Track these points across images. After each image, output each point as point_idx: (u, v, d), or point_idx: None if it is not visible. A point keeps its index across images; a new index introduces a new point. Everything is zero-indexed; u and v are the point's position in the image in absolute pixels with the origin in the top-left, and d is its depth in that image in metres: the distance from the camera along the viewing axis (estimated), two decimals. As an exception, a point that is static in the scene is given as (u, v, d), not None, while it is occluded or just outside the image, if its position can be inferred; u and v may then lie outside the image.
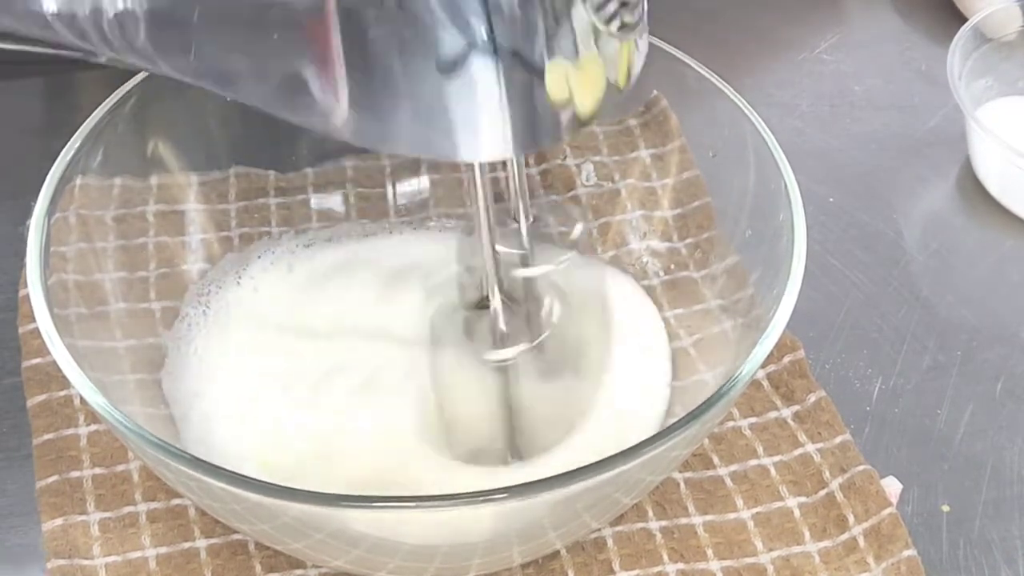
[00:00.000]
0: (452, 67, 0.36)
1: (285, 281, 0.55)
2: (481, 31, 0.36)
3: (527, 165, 0.60)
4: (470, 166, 0.43)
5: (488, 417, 0.49)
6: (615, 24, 0.39)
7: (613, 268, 0.56)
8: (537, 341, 0.48)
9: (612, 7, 0.38)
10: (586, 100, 0.38)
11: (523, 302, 0.48)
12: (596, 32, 0.38)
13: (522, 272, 0.47)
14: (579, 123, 0.39)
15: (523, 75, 0.37)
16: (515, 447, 0.49)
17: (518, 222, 0.47)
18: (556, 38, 0.37)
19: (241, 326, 0.53)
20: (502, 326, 0.47)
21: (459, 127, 0.38)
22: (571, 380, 0.50)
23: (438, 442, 0.49)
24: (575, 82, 0.38)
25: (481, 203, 0.44)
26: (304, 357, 0.52)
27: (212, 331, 0.53)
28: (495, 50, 0.36)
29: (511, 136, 0.38)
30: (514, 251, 0.47)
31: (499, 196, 0.47)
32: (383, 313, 0.53)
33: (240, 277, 0.55)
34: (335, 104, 0.37)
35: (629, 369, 0.52)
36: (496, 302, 0.46)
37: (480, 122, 0.38)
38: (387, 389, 0.50)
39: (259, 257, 0.56)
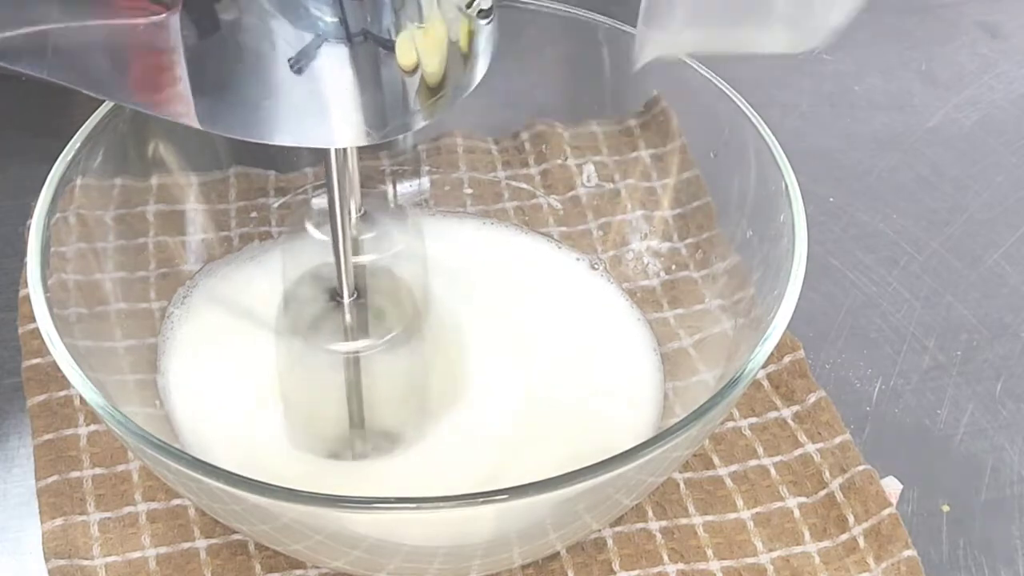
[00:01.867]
0: (303, 59, 0.37)
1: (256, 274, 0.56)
2: (332, 20, 0.36)
3: (527, 165, 0.61)
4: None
5: (341, 410, 0.49)
6: (472, 8, 0.39)
7: (584, 271, 0.57)
8: (387, 337, 0.48)
9: None
10: (432, 60, 0.39)
11: (368, 295, 0.48)
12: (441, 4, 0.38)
13: (358, 260, 0.48)
14: (428, 92, 0.39)
15: (373, 54, 0.37)
16: (376, 435, 0.49)
17: (349, 213, 0.47)
18: (404, 9, 0.37)
19: (207, 322, 0.54)
20: (349, 319, 0.47)
21: (312, 115, 0.38)
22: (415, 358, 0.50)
23: (299, 440, 0.49)
24: (421, 45, 0.38)
25: (335, 191, 0.44)
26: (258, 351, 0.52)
27: (190, 326, 0.53)
28: (348, 34, 0.37)
29: (363, 123, 0.38)
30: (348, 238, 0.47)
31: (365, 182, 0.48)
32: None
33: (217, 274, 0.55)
34: (185, 96, 0.38)
35: (611, 380, 0.52)
36: (346, 295, 0.47)
37: (332, 110, 0.38)
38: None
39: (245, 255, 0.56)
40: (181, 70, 0.38)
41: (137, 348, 0.51)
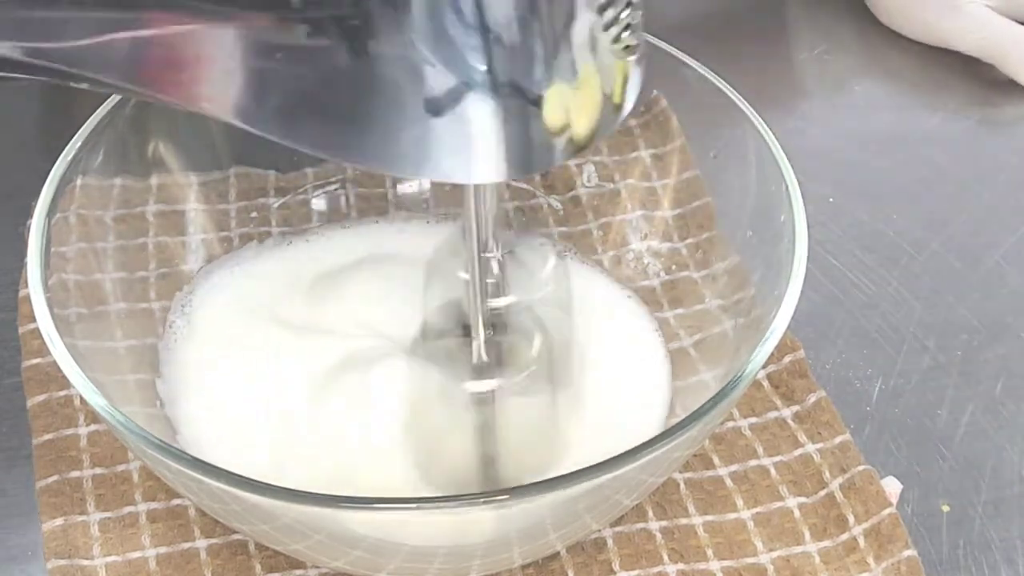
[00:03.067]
0: (445, 105, 0.35)
1: (275, 272, 0.55)
2: (479, 69, 0.35)
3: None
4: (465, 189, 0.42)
5: (464, 451, 0.48)
6: (619, 45, 0.37)
7: (598, 275, 0.56)
8: (520, 375, 0.47)
9: (614, 23, 0.37)
10: (583, 120, 0.37)
11: (506, 333, 0.47)
12: (593, 46, 0.37)
13: (494, 302, 0.46)
14: (575, 147, 0.37)
15: (520, 106, 0.36)
16: (493, 480, 0.48)
17: (491, 252, 0.45)
18: (554, 59, 0.36)
19: (219, 324, 0.53)
20: (484, 357, 0.46)
21: (452, 154, 0.36)
22: (560, 404, 0.49)
23: (412, 466, 0.48)
24: (572, 103, 0.37)
25: (474, 227, 0.43)
26: (293, 355, 0.52)
27: (193, 330, 0.53)
28: (495, 86, 0.35)
29: (505, 161, 0.37)
30: (488, 280, 0.46)
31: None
32: (372, 316, 0.53)
33: (223, 274, 0.55)
34: (329, 128, 0.36)
35: (625, 382, 0.52)
36: (479, 332, 0.46)
37: (475, 150, 0.36)
38: (370, 399, 0.50)
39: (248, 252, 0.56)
40: (318, 95, 0.36)
41: (137, 348, 0.51)
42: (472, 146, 0.36)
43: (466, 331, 0.46)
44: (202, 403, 0.51)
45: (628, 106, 0.39)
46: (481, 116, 0.36)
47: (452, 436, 0.48)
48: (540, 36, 0.35)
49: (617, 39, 0.37)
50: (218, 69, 0.37)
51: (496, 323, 0.46)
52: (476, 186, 0.42)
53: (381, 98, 0.36)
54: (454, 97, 0.35)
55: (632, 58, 0.38)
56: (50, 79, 0.39)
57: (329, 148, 0.37)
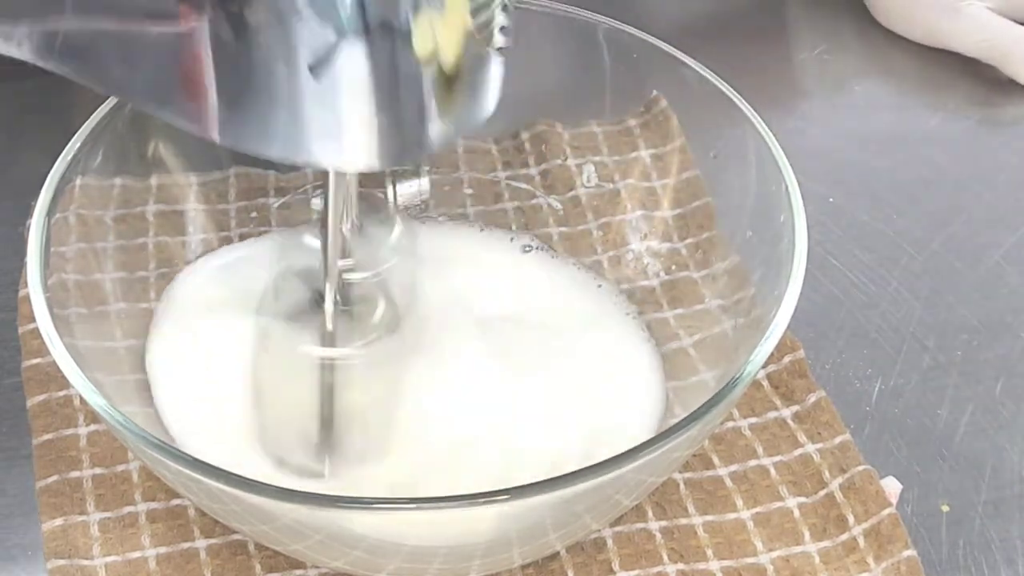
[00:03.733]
0: (322, 61, 0.36)
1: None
2: (352, 11, 0.36)
3: (527, 165, 0.61)
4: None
5: (307, 416, 0.48)
6: (492, 46, 0.39)
7: (585, 279, 0.56)
8: (365, 342, 0.47)
9: (487, 26, 0.39)
10: (449, 49, 0.38)
11: (352, 303, 0.48)
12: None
13: (347, 276, 0.47)
14: (443, 96, 0.38)
15: (390, 49, 0.37)
16: (332, 446, 0.48)
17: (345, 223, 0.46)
18: None
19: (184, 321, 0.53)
20: (330, 326, 0.47)
21: (324, 132, 0.37)
22: (407, 372, 0.50)
23: (259, 442, 0.49)
24: (439, 27, 0.37)
25: (331, 204, 0.44)
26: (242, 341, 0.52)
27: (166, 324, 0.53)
28: (367, 30, 0.36)
29: (376, 148, 0.38)
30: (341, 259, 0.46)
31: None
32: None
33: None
34: (205, 105, 0.38)
35: (612, 384, 0.52)
36: (329, 301, 0.46)
37: (344, 126, 0.37)
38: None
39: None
40: (206, 78, 0.37)
41: (137, 348, 0.51)
42: (342, 130, 0.37)
43: (316, 299, 0.47)
44: (186, 400, 0.50)
45: (494, 39, 0.40)
46: (354, 71, 0.36)
47: (297, 401, 0.49)
48: None
49: (490, 41, 0.39)
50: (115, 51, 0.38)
51: (345, 293, 0.47)
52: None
53: (260, 74, 0.37)
54: (329, 60, 0.36)
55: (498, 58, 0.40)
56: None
57: (221, 133, 0.38)
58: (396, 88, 0.37)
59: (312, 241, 0.46)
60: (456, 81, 0.39)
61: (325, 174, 0.44)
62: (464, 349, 0.52)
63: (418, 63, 0.37)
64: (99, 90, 0.40)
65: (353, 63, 0.36)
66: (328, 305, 0.46)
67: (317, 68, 0.36)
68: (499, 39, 0.39)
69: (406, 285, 0.50)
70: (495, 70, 0.40)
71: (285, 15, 0.36)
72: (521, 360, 0.52)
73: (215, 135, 0.38)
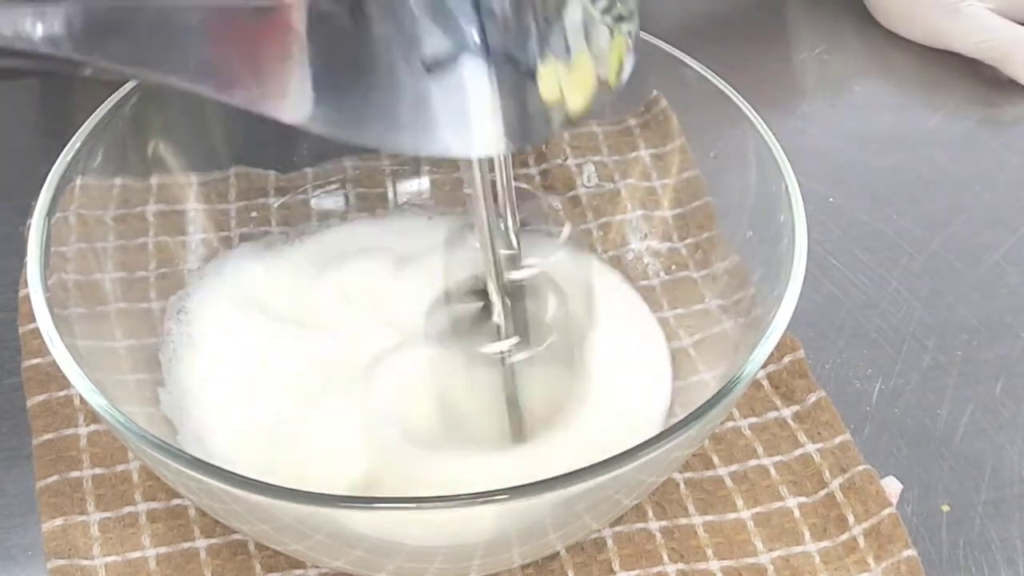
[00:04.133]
0: (440, 68, 0.36)
1: (276, 268, 0.55)
2: (472, 34, 0.36)
3: (527, 165, 0.61)
4: (468, 162, 0.43)
5: (487, 410, 0.49)
6: (609, 15, 0.39)
7: (605, 266, 0.56)
8: (536, 337, 0.48)
9: None
10: (577, 98, 0.38)
11: (518, 299, 0.48)
12: (587, 29, 0.38)
13: (513, 272, 0.47)
14: (570, 121, 0.38)
15: (514, 76, 0.37)
16: (515, 434, 0.49)
17: (505, 221, 0.47)
18: (548, 38, 0.37)
19: (216, 326, 0.53)
20: (499, 320, 0.47)
21: (450, 124, 0.37)
22: (569, 374, 0.50)
23: (435, 436, 0.49)
24: (566, 82, 0.38)
25: (480, 197, 0.44)
26: (295, 348, 0.52)
27: (191, 336, 0.53)
28: (487, 52, 0.36)
29: (503, 132, 0.37)
30: (504, 251, 0.47)
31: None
32: (376, 304, 0.53)
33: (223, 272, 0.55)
34: (288, 88, 0.37)
35: (626, 364, 0.52)
36: (495, 297, 0.46)
37: (472, 119, 0.37)
38: (380, 384, 0.50)
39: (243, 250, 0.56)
40: (298, 60, 0.36)
41: (137, 348, 0.51)
42: (470, 118, 0.37)
43: (483, 301, 0.47)
44: (209, 413, 0.50)
45: (623, 78, 0.40)
46: (477, 84, 0.36)
47: (477, 399, 0.49)
48: (531, 8, 0.36)
49: (609, 8, 0.38)
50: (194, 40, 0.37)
51: (514, 292, 0.47)
52: (472, 161, 0.43)
53: (379, 72, 0.36)
54: (450, 65, 0.36)
55: (626, 27, 0.39)
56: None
57: (329, 124, 0.37)
58: (522, 103, 0.37)
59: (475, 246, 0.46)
60: (584, 115, 0.39)
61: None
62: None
63: (543, 104, 0.37)
64: (130, 75, 0.39)
65: (476, 75, 0.36)
66: (494, 299, 0.46)
67: (437, 71, 0.36)
68: (620, 7, 0.39)
69: (578, 283, 0.50)
70: (624, 52, 0.40)
71: (401, 18, 0.36)
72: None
73: (301, 118, 0.37)
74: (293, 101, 0.37)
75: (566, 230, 0.52)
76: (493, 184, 0.45)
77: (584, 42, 0.38)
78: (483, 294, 0.47)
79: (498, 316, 0.47)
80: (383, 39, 0.36)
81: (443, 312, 0.49)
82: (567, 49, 0.37)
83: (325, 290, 0.54)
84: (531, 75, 0.37)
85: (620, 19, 0.39)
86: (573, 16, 0.37)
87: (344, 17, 0.36)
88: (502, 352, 0.47)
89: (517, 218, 0.47)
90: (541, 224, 0.52)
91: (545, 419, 0.49)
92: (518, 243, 0.47)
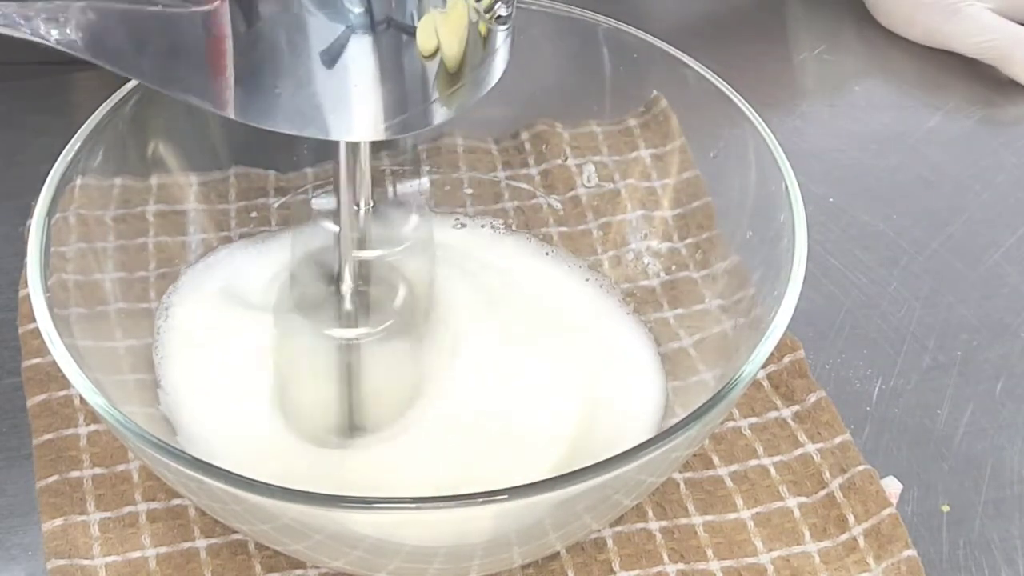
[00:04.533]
0: (327, 52, 0.38)
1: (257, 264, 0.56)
2: (360, 10, 0.37)
3: (527, 165, 0.61)
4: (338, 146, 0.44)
5: (330, 394, 0.49)
6: (491, 14, 0.40)
7: (585, 279, 0.57)
8: (383, 326, 0.49)
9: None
10: (452, 43, 0.39)
11: (370, 285, 0.49)
12: None
13: (359, 254, 0.48)
14: (447, 81, 0.40)
15: (395, 41, 0.38)
16: (355, 423, 0.49)
17: (358, 206, 0.48)
18: None
19: (198, 323, 0.54)
20: (348, 306, 0.48)
21: (333, 106, 0.39)
22: (412, 361, 0.51)
23: (289, 422, 0.50)
24: (442, 29, 0.39)
25: (343, 181, 0.45)
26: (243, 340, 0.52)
27: (182, 324, 0.53)
28: (372, 24, 0.38)
29: (380, 114, 0.39)
30: (355, 233, 0.48)
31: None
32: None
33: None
34: (223, 80, 0.39)
35: (615, 384, 0.52)
36: (347, 282, 0.47)
37: (351, 100, 0.39)
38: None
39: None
40: (226, 57, 0.38)
41: (137, 348, 0.51)
42: (350, 99, 0.39)
43: (331, 283, 0.48)
44: (199, 411, 0.50)
45: (500, 59, 0.42)
46: (360, 58, 0.38)
47: (317, 381, 0.49)
48: None
49: (489, 8, 0.40)
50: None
51: (362, 275, 0.48)
52: (348, 144, 0.44)
53: (269, 56, 0.38)
54: (336, 47, 0.38)
55: (502, 28, 0.41)
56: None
57: (222, 105, 0.39)
58: (400, 66, 0.39)
59: (329, 227, 0.48)
60: (460, 65, 0.40)
61: (335, 159, 0.44)
62: (474, 340, 0.52)
63: (422, 56, 0.39)
64: (110, 67, 0.40)
65: (359, 52, 0.38)
66: (345, 285, 0.47)
67: (326, 55, 0.38)
68: (501, 10, 0.40)
69: (423, 269, 0.50)
70: (500, 40, 0.41)
71: (294, 8, 0.37)
72: (525, 350, 0.52)
73: (231, 112, 0.39)
74: (225, 98, 0.39)
75: (413, 218, 0.52)
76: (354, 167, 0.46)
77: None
78: (330, 276, 0.48)
79: (346, 303, 0.48)
80: (275, 28, 0.38)
81: (296, 291, 0.50)
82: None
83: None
84: (411, 32, 0.38)
85: (499, 19, 0.41)
86: None
87: (243, 14, 0.38)
88: (348, 339, 0.48)
89: (371, 202, 0.48)
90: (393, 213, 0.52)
91: (387, 406, 0.50)
92: (366, 226, 0.49)
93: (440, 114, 0.40)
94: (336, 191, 0.45)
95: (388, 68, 0.39)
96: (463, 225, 0.58)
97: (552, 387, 0.51)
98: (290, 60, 0.38)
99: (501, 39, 0.41)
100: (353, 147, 0.44)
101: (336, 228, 0.46)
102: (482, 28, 0.40)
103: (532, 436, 0.49)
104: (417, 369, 0.50)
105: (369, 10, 0.37)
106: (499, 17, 0.40)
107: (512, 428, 0.50)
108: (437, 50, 0.39)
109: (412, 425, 0.49)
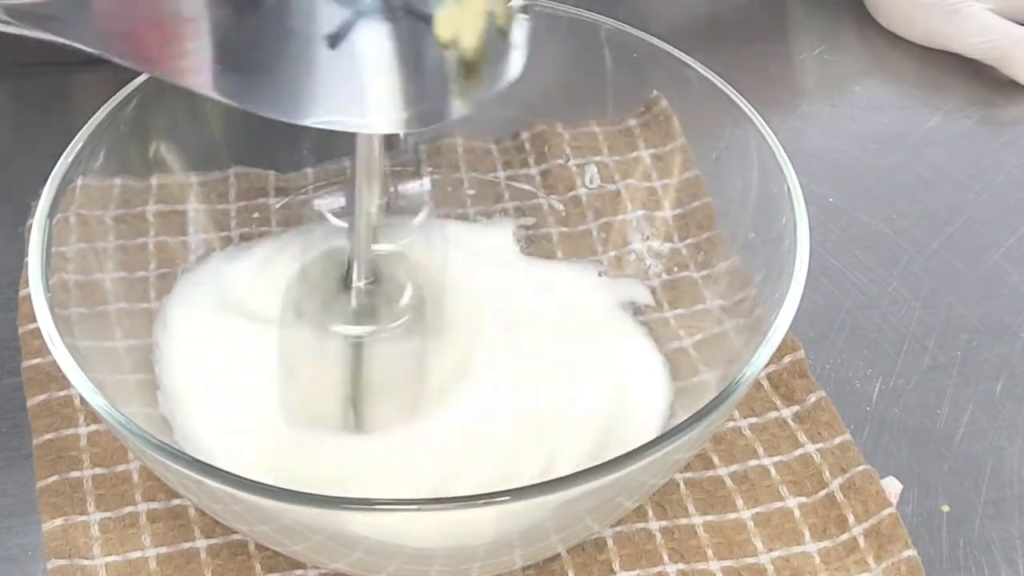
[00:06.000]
0: (340, 35, 0.37)
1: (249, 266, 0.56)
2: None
3: (527, 165, 0.61)
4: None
5: (338, 391, 0.49)
6: (513, 14, 0.40)
7: (588, 280, 0.57)
8: (395, 324, 0.48)
9: None
10: (470, 36, 0.39)
11: (380, 282, 0.48)
12: None
13: (374, 248, 0.48)
14: (465, 73, 0.39)
15: (411, 29, 0.38)
16: (360, 419, 0.49)
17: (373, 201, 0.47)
18: None
19: (196, 326, 0.53)
20: (355, 304, 0.47)
21: (347, 97, 0.38)
22: (420, 359, 0.50)
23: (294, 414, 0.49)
24: (460, 21, 0.38)
25: (360, 176, 0.44)
26: (248, 343, 0.52)
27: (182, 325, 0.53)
28: (386, 10, 0.37)
29: (398, 105, 0.39)
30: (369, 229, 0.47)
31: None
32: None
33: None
34: (206, 62, 0.38)
35: (619, 387, 0.52)
36: (359, 281, 0.47)
37: (368, 92, 0.38)
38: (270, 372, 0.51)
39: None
40: (217, 42, 0.38)
41: (137, 348, 0.51)
42: (366, 90, 0.38)
43: (342, 280, 0.48)
44: (196, 414, 0.50)
45: (518, 55, 0.41)
46: (373, 46, 0.37)
47: (325, 379, 0.49)
48: None
49: (511, 13, 0.39)
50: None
51: (373, 272, 0.48)
52: (366, 137, 0.44)
53: (277, 41, 0.37)
54: (347, 34, 0.37)
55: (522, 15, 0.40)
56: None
57: (229, 93, 0.39)
58: (417, 57, 0.38)
59: (339, 224, 0.47)
60: (478, 57, 0.39)
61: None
62: (482, 338, 0.52)
63: (439, 46, 0.38)
64: (110, 56, 0.40)
65: (372, 40, 0.37)
66: (356, 282, 0.47)
67: (335, 40, 0.37)
68: (517, 3, 0.40)
69: (433, 268, 0.50)
70: (518, 34, 0.41)
71: None
72: (533, 350, 0.52)
73: (213, 92, 0.39)
74: (203, 72, 0.38)
75: (421, 215, 0.52)
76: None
77: None
78: (339, 274, 0.48)
79: (355, 300, 0.47)
80: (282, 13, 0.37)
81: (310, 298, 0.49)
82: None
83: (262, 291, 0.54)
84: (428, 20, 0.37)
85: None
86: None
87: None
88: (357, 336, 0.48)
89: (383, 196, 0.47)
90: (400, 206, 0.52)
91: (393, 404, 0.49)
92: (378, 220, 0.48)
93: (457, 107, 0.40)
94: (353, 186, 0.45)
95: (404, 58, 0.38)
96: (464, 225, 0.58)
97: (559, 388, 0.51)
98: (305, 51, 0.37)
99: (520, 33, 0.41)
100: (368, 142, 0.44)
101: (346, 225, 0.46)
102: (500, 19, 0.40)
103: (537, 437, 0.49)
104: (425, 368, 0.50)
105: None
106: (516, 7, 0.40)
107: (518, 429, 0.50)
108: (454, 41, 0.38)
109: (416, 425, 0.49)
